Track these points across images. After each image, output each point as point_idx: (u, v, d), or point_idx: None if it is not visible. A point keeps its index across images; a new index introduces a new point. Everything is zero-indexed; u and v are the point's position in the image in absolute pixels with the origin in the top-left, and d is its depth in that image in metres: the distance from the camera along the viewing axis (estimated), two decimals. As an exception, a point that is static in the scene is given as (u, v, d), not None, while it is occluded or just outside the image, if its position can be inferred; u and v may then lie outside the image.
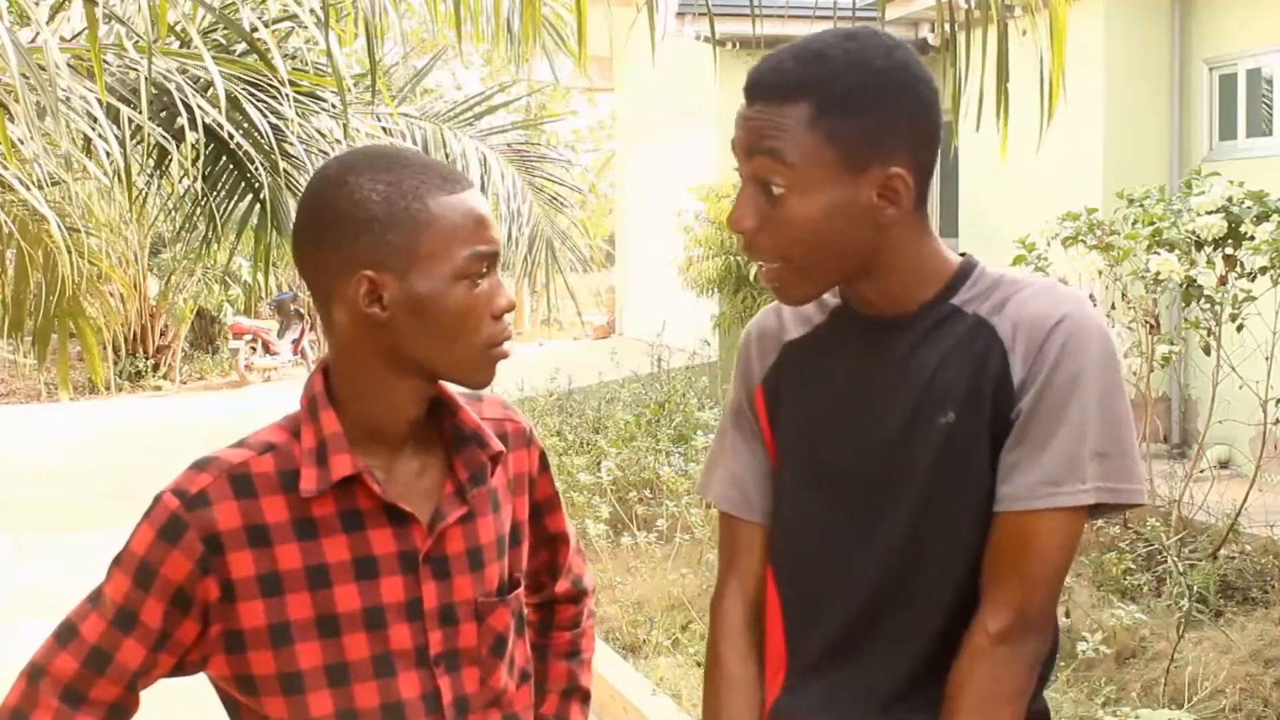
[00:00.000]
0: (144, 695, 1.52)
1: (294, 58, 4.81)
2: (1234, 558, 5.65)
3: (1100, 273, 5.88)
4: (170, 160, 4.47)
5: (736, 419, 1.72)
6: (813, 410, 1.63)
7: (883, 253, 1.53)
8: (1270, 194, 5.56)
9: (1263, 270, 5.48)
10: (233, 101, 3.98)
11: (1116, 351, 1.54)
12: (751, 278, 11.65)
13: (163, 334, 17.10)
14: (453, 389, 1.54)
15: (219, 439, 1.55)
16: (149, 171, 4.75)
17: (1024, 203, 9.11)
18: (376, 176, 1.43)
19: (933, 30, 10.68)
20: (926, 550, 1.55)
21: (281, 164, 4.32)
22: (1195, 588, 5.14)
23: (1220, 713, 4.35)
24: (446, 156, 5.93)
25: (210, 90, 3.86)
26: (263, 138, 4.11)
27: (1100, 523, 5.99)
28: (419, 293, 1.42)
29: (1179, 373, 7.97)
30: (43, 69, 2.67)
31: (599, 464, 7.83)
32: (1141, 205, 6.00)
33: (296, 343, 17.00)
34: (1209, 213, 5.51)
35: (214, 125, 4.03)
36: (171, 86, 3.85)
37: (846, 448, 1.59)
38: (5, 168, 4.09)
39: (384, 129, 5.34)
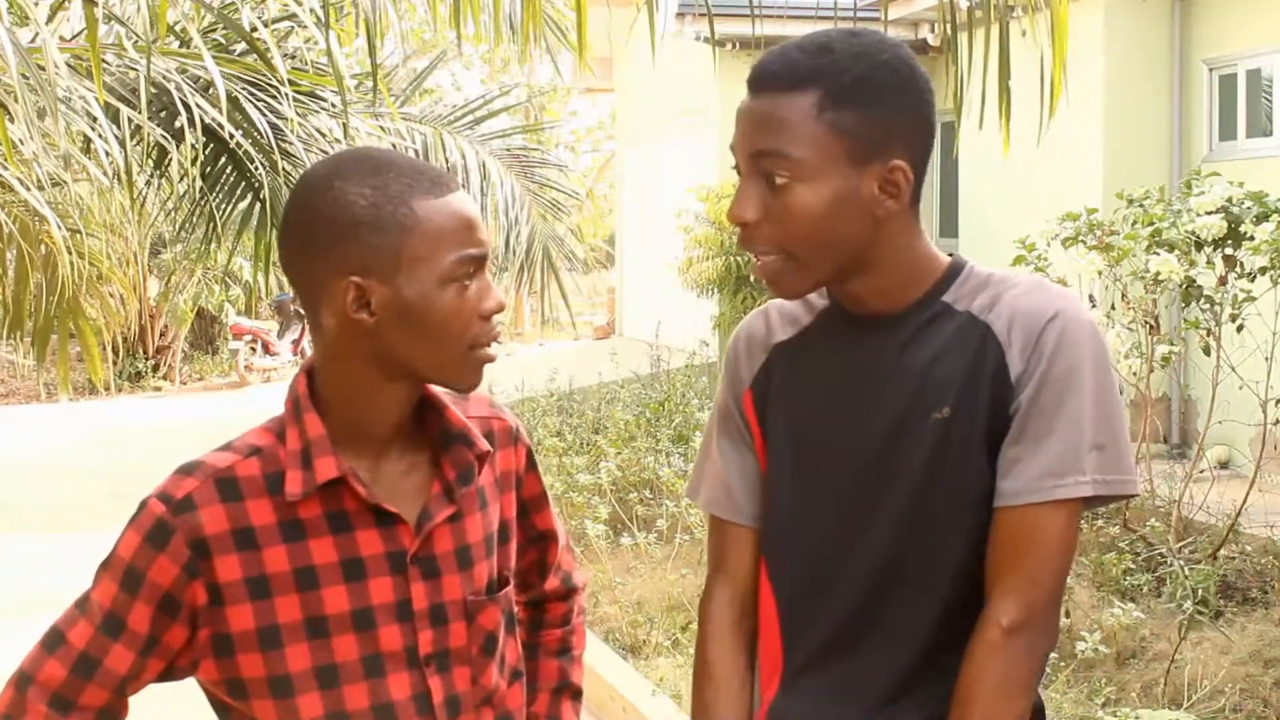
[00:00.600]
0: (136, 698, 1.51)
1: (293, 57, 4.81)
2: (1234, 558, 5.64)
3: (1100, 273, 5.88)
4: (170, 160, 4.47)
5: (723, 423, 1.73)
6: (804, 409, 1.64)
7: (877, 248, 1.54)
8: (1270, 194, 5.56)
9: (1262, 270, 5.47)
10: (232, 101, 3.98)
11: (1106, 346, 1.57)
12: (751, 278, 11.65)
13: (163, 334, 17.10)
14: (435, 389, 1.54)
15: (219, 439, 1.54)
16: (149, 172, 4.75)
17: (1024, 203, 9.12)
18: (363, 181, 1.42)
19: (933, 30, 10.68)
20: (920, 545, 1.56)
21: (281, 164, 4.32)
22: (1195, 588, 5.14)
23: (1220, 713, 4.35)
24: (445, 161, 5.93)
25: (210, 90, 3.86)
26: (262, 137, 4.11)
27: (1100, 523, 5.99)
28: (406, 297, 1.41)
29: (1179, 373, 7.96)
30: (42, 69, 2.67)
31: (599, 464, 7.83)
32: (1141, 205, 6.00)
33: (296, 343, 16.99)
34: (1209, 213, 5.51)
35: (214, 125, 4.04)
36: (171, 86, 3.85)
37: (838, 445, 1.60)
38: (5, 168, 4.09)
39: (382, 128, 5.34)
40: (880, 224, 1.52)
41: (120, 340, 15.81)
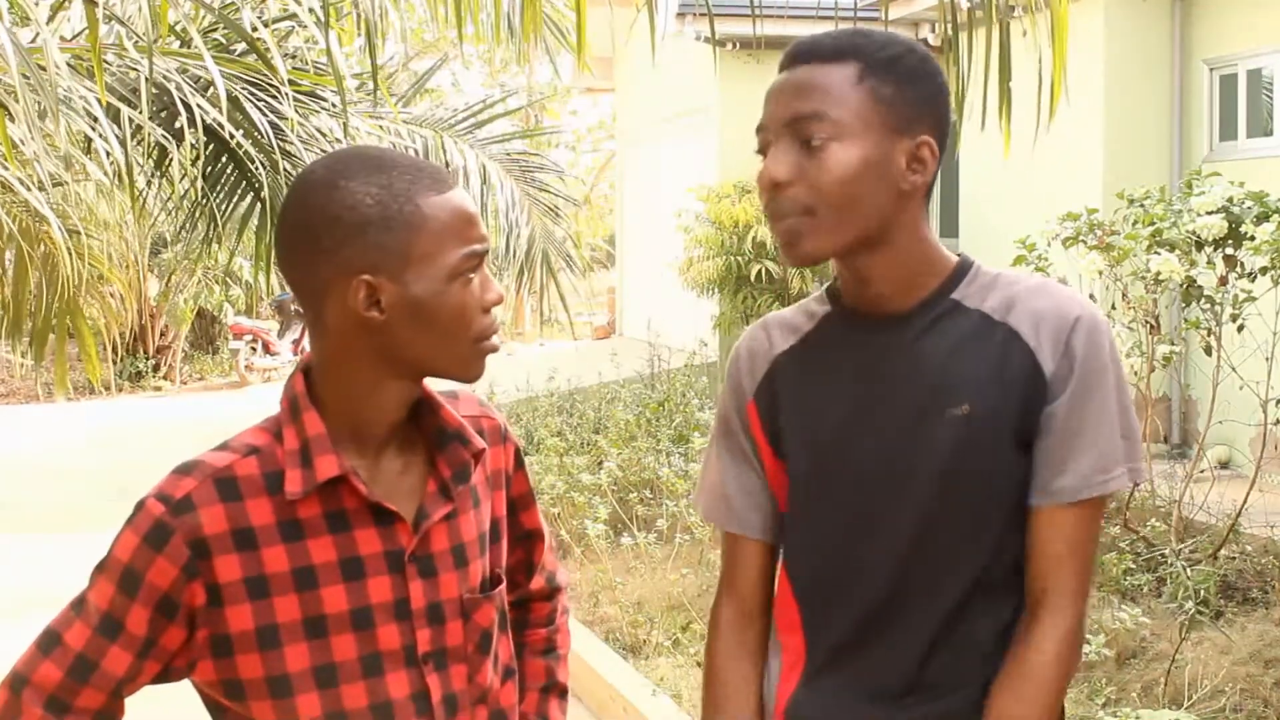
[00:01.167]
0: (131, 700, 1.51)
1: (294, 57, 4.81)
2: (1234, 558, 5.64)
3: (1100, 273, 5.88)
4: (171, 160, 4.47)
5: (723, 435, 1.76)
6: (815, 414, 1.65)
7: (894, 226, 1.57)
8: (1270, 194, 5.56)
9: (1263, 270, 5.47)
10: (233, 101, 3.98)
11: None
12: (752, 278, 11.65)
13: (163, 334, 17.10)
14: (430, 387, 1.55)
15: (219, 439, 1.54)
16: (149, 171, 4.75)
17: (1024, 203, 9.11)
18: (368, 179, 1.43)
19: (933, 30, 10.68)
20: (941, 541, 1.58)
21: (282, 163, 4.32)
22: (1196, 588, 5.14)
23: (1220, 713, 4.35)
24: (447, 164, 5.93)
25: (210, 90, 3.86)
26: (263, 137, 4.11)
27: (1101, 523, 5.98)
28: (416, 294, 1.42)
29: (1179, 373, 7.96)
30: (43, 69, 2.67)
31: (600, 464, 7.83)
32: (1142, 205, 6.00)
33: (297, 343, 16.98)
34: (1209, 213, 5.50)
35: (214, 125, 4.04)
36: (172, 86, 3.85)
37: (853, 446, 1.61)
38: (6, 168, 4.09)
39: (381, 127, 5.34)
40: (904, 198, 1.56)
41: (120, 340, 15.83)
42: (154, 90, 3.91)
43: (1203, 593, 5.16)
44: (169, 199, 5.29)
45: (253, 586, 1.43)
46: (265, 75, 4.14)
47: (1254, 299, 5.52)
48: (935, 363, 1.57)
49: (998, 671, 1.58)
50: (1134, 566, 5.54)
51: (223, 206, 4.75)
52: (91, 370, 5.39)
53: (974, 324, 1.58)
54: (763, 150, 1.57)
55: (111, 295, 7.03)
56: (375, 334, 1.43)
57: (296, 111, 4.27)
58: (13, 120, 3.29)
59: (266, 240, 4.61)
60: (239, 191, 4.73)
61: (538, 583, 1.78)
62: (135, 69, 3.85)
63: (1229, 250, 5.60)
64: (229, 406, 14.13)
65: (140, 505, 1.44)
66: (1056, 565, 1.56)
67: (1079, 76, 5.22)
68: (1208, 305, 5.69)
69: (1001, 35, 2.73)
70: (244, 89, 4.13)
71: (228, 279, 16.80)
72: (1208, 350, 5.79)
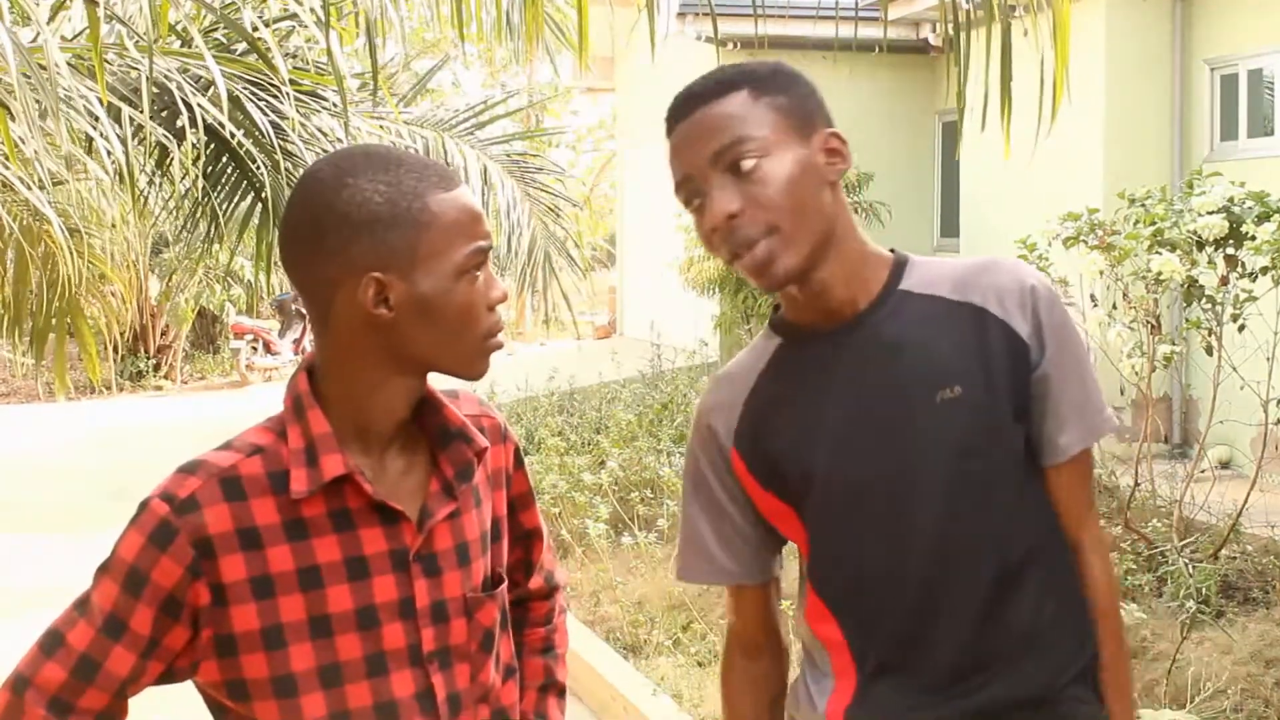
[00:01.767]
0: (134, 699, 1.50)
1: (295, 56, 4.81)
2: (1235, 558, 5.64)
3: (1101, 273, 5.87)
4: (172, 159, 4.47)
5: (694, 491, 1.77)
6: (802, 438, 1.65)
7: (838, 226, 1.60)
8: (1271, 194, 5.55)
9: (1264, 270, 5.47)
10: (234, 101, 3.98)
11: None
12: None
13: (164, 334, 17.10)
14: (432, 386, 1.55)
15: (220, 439, 1.53)
16: (150, 171, 4.75)
17: (1025, 203, 9.11)
18: (376, 177, 1.42)
19: (934, 30, 10.68)
20: (964, 523, 1.59)
21: (283, 163, 4.32)
22: (1197, 588, 5.14)
23: (1221, 713, 4.34)
24: (448, 165, 5.92)
25: (211, 89, 3.85)
26: (264, 137, 4.11)
27: (1102, 523, 5.97)
28: (424, 291, 1.42)
29: (1180, 373, 7.96)
30: (44, 68, 2.66)
31: (601, 464, 7.83)
32: (1143, 205, 5.99)
33: (298, 342, 16.98)
34: (1210, 213, 5.50)
35: (215, 124, 4.03)
36: (173, 86, 3.85)
37: (854, 450, 1.62)
38: (7, 167, 4.09)
39: (382, 127, 5.34)
40: (835, 191, 1.60)
41: (121, 339, 15.82)
42: (155, 90, 3.91)
43: (1204, 591, 5.16)
44: (170, 198, 5.29)
45: (257, 586, 1.43)
46: (266, 75, 4.13)
47: (1255, 299, 5.52)
48: (909, 352, 1.60)
49: (1039, 646, 1.62)
50: (1135, 566, 5.54)
51: (224, 206, 4.75)
52: (92, 370, 5.39)
53: (933, 308, 1.62)
54: (691, 203, 1.60)
55: (112, 294, 7.02)
56: (382, 331, 1.43)
57: (297, 111, 4.27)
58: (14, 119, 3.29)
59: (267, 239, 4.61)
60: (240, 191, 4.72)
61: (536, 582, 1.78)
62: (136, 68, 3.84)
63: (1230, 250, 5.59)
64: (230, 406, 14.12)
65: (144, 505, 1.44)
66: (1085, 511, 1.70)
67: (1080, 76, 5.19)
68: (1208, 305, 5.68)
69: (1003, 35, 2.72)
70: (245, 88, 4.13)
71: (229, 278, 16.79)
72: (1209, 350, 5.79)
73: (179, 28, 4.24)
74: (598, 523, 6.55)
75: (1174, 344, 5.98)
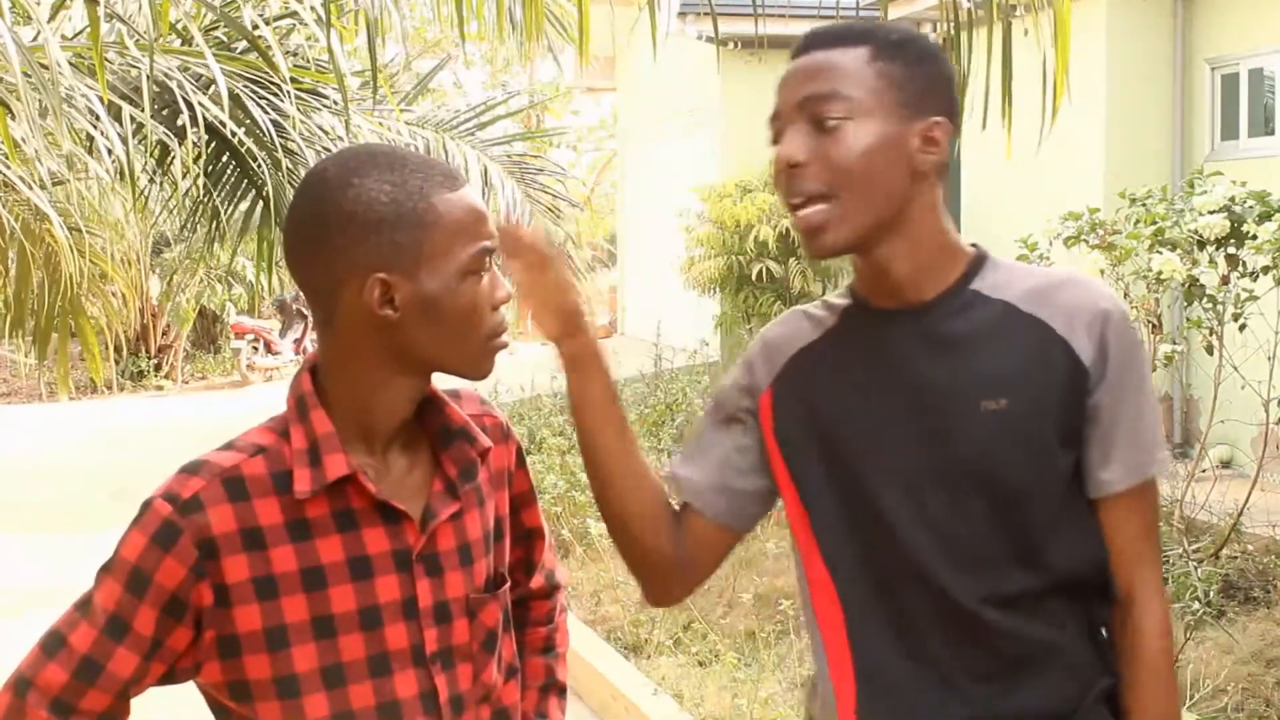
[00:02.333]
0: (135, 700, 1.50)
1: (295, 54, 4.81)
2: (1236, 557, 5.64)
3: (1102, 272, 5.86)
4: (172, 158, 4.47)
5: (716, 408, 1.73)
6: (837, 415, 1.62)
7: (911, 211, 1.56)
8: (1272, 193, 5.55)
9: (1265, 270, 5.46)
10: (234, 99, 3.98)
11: None
12: (753, 277, 11.65)
13: (165, 333, 17.10)
14: (435, 386, 1.54)
15: (221, 439, 1.53)
16: (151, 170, 4.75)
17: (1025, 202, 9.10)
18: (381, 177, 1.42)
19: (934, 30, 10.68)
20: (981, 533, 1.55)
21: (284, 162, 4.32)
22: (1198, 588, 5.14)
23: (1222, 712, 4.35)
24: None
25: (212, 88, 3.85)
26: (265, 135, 4.11)
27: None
28: (429, 291, 1.42)
29: (1181, 372, 7.96)
30: (45, 67, 2.66)
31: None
32: (1144, 205, 5.99)
33: (299, 342, 16.98)
34: (1211, 212, 5.49)
35: (216, 123, 4.03)
36: (173, 84, 3.85)
37: (881, 446, 1.59)
38: (8, 167, 4.09)
39: (382, 125, 5.34)
40: (917, 180, 1.55)
41: (122, 339, 15.83)
42: (155, 88, 3.91)
43: (1205, 592, 5.16)
44: (170, 197, 5.29)
45: (261, 587, 1.43)
46: (267, 73, 4.13)
47: (1256, 298, 5.51)
48: (963, 354, 1.56)
49: (1054, 669, 1.57)
50: (1136, 566, 5.53)
51: (225, 205, 4.75)
52: (94, 369, 5.39)
53: (999, 315, 1.57)
54: (775, 139, 1.56)
55: (114, 294, 7.03)
56: (387, 331, 1.43)
57: (298, 109, 4.27)
58: (14, 118, 3.29)
59: (269, 239, 4.61)
60: (241, 190, 4.73)
61: (537, 581, 1.77)
62: (137, 67, 3.84)
63: (1231, 249, 5.59)
64: (231, 406, 14.12)
65: (147, 505, 1.43)
66: (1139, 557, 1.60)
67: (1080, 76, 5.18)
68: (1209, 304, 5.68)
69: (1004, 35, 2.72)
70: (245, 87, 4.13)
71: (230, 278, 16.79)
72: (1209, 349, 5.79)
73: (179, 26, 4.24)
74: (599, 522, 6.55)
75: (1175, 343, 5.98)
